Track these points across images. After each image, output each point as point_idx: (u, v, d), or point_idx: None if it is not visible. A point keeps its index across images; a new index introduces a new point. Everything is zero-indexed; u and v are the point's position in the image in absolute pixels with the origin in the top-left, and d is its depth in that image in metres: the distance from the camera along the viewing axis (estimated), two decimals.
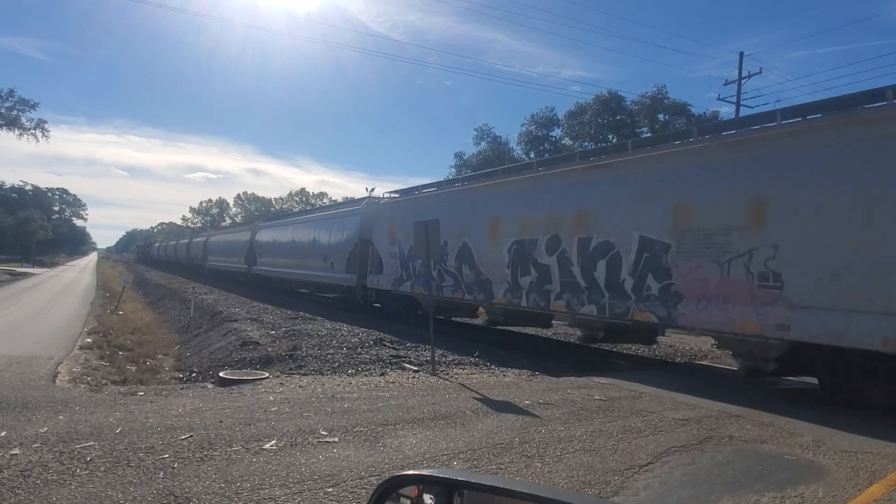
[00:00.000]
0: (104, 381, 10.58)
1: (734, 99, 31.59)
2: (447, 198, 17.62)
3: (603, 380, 9.36)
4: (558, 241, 12.83)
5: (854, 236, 7.92)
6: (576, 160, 13.70)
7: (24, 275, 51.76)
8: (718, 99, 33.40)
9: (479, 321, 17.89)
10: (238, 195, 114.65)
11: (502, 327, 16.59)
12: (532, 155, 44.72)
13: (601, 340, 13.15)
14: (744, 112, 30.94)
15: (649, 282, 10.70)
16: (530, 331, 17.74)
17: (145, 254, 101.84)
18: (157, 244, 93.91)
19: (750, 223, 9.25)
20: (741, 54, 31.54)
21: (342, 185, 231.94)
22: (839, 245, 8.08)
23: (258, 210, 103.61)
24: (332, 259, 22.87)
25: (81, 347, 15.52)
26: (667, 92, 40.82)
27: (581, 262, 12.23)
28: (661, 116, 41.42)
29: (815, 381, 9.19)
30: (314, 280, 25.14)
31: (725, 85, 32.39)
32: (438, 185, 19.78)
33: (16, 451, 4.52)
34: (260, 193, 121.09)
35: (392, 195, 22.06)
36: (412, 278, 17.99)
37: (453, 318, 18.11)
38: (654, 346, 14.91)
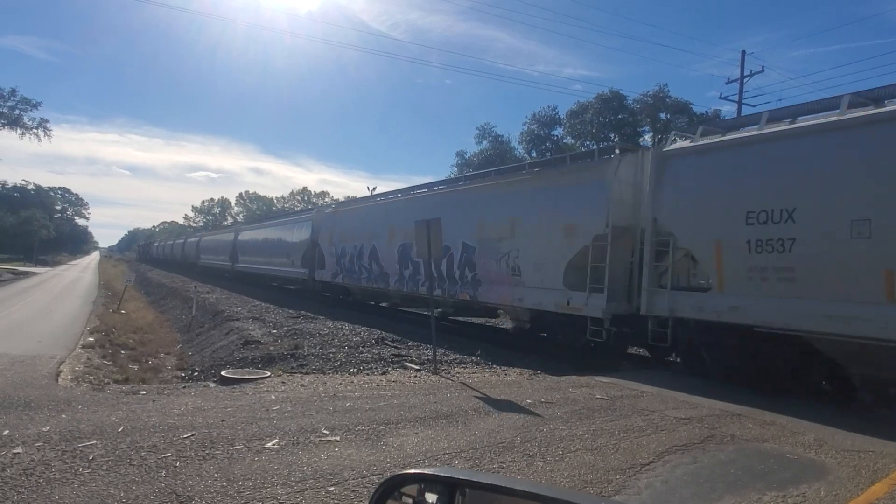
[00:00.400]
0: (106, 380, 10.59)
1: (737, 98, 31.56)
2: (364, 210, 23.19)
3: (605, 379, 9.36)
4: None
5: (546, 242, 13.29)
6: (437, 188, 19.70)
7: (26, 274, 51.84)
8: (720, 98, 33.35)
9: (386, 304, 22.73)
10: (240, 194, 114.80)
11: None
12: (534, 154, 44.68)
13: (453, 315, 18.73)
14: (745, 111, 30.92)
15: (466, 273, 16.02)
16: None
17: (145, 253, 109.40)
18: (155, 244, 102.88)
19: (508, 235, 14.53)
20: (743, 53, 31.52)
21: (344, 183, 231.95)
22: (541, 249, 13.46)
23: (260, 209, 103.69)
24: (293, 257, 27.67)
25: (84, 346, 15.55)
26: (668, 91, 40.78)
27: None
28: (662, 115, 41.36)
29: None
30: (280, 274, 30.19)
31: (728, 84, 32.35)
32: (364, 199, 25.39)
33: (18, 449, 4.53)
34: (262, 192, 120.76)
35: (335, 206, 28.57)
36: (343, 272, 23.33)
37: (375, 303, 23.29)
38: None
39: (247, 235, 38.05)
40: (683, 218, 10.33)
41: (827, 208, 8.23)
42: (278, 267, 29.78)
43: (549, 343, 15.47)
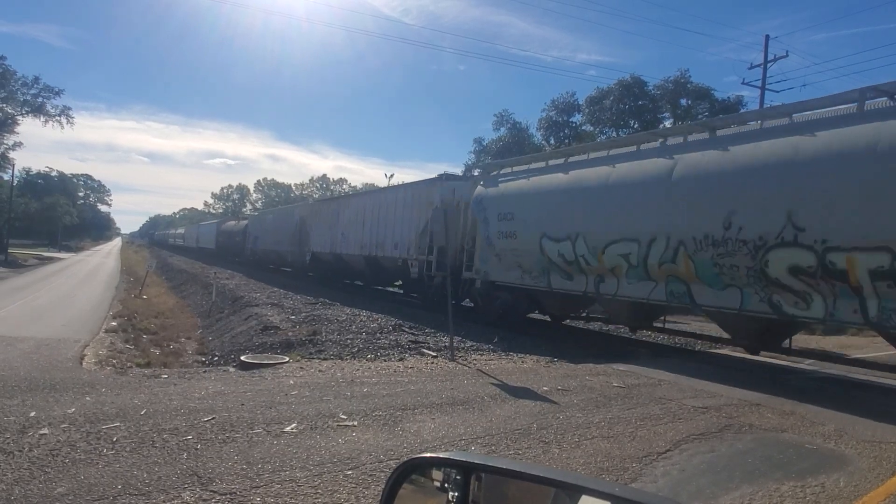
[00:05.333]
0: (129, 364, 10.78)
1: (759, 83, 30.92)
2: (272, 214, 40.65)
3: (622, 367, 9.33)
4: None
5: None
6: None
7: (51, 259, 52.81)
8: (743, 83, 32.69)
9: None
10: (258, 181, 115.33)
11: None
12: (552, 141, 44.28)
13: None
14: (769, 97, 30.33)
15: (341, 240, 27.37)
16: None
17: (152, 239, 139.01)
18: (155, 233, 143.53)
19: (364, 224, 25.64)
20: (766, 37, 30.78)
21: (360, 170, 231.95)
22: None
23: (279, 196, 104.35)
24: (241, 242, 46.16)
25: (107, 331, 15.85)
26: (690, 76, 39.94)
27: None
28: (683, 102, 40.63)
29: None
30: (235, 249, 48.14)
31: (750, 69, 31.69)
32: (273, 209, 42.46)
33: (45, 430, 4.64)
34: (279, 179, 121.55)
35: (258, 212, 50.26)
36: (259, 247, 40.73)
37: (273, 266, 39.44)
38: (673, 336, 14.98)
39: (224, 227, 56.11)
40: None
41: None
42: (231, 247, 50.23)
43: (569, 330, 15.51)
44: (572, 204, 12.37)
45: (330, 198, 41.06)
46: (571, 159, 13.48)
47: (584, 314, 15.76)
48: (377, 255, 22.18)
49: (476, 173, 17.33)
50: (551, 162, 14.12)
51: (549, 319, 16.30)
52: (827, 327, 12.13)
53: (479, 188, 15.82)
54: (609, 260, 11.42)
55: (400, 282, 23.54)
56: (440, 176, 19.88)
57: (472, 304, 16.73)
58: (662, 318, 13.41)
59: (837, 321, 8.85)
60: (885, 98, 8.14)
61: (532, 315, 16.16)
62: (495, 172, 15.96)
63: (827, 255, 8.04)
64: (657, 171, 10.58)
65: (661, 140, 11.51)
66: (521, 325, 14.78)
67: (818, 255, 8.11)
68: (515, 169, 15.24)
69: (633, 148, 11.88)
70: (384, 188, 27.24)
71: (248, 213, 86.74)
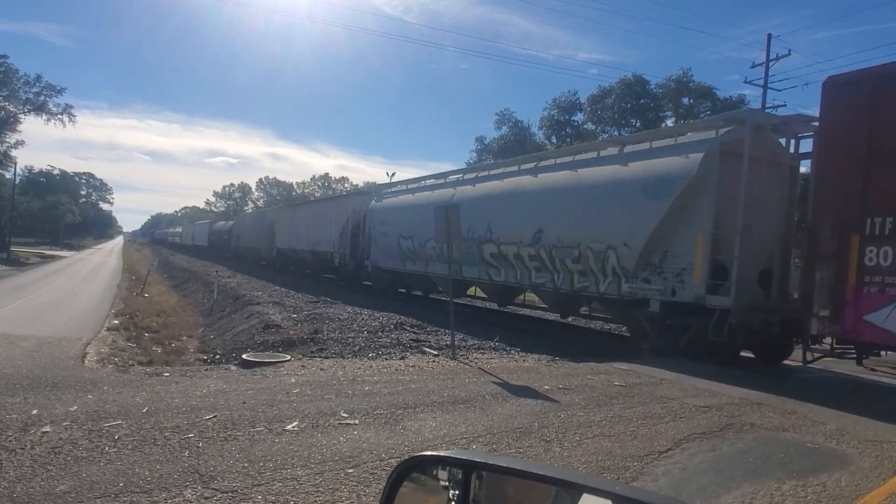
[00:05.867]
0: (131, 362, 10.81)
1: (761, 82, 30.86)
2: (250, 216, 51.97)
3: (623, 366, 9.32)
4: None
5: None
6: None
7: (53, 258, 52.91)
8: (745, 82, 32.64)
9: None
10: (260, 179, 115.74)
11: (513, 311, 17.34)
12: (554, 140, 44.24)
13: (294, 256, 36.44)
14: (771, 95, 30.30)
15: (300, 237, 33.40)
16: (551, 316, 17.74)
17: (153, 237, 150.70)
18: (156, 231, 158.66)
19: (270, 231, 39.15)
20: (769, 36, 30.77)
21: (361, 169, 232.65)
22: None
23: (280, 195, 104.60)
24: (228, 239, 52.80)
25: (109, 329, 15.87)
26: (692, 75, 39.86)
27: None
28: (685, 100, 40.57)
29: None
30: (221, 246, 54.71)
31: (752, 67, 31.65)
32: (252, 212, 66.61)
33: (47, 428, 4.64)
34: (280, 178, 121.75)
35: (241, 215, 63.43)
36: (241, 244, 48.34)
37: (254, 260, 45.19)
38: None
39: (215, 227, 65.09)
40: None
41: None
42: (212, 244, 60.07)
43: (570, 329, 15.55)
44: (411, 215, 19.13)
45: (290, 205, 50.71)
46: (419, 185, 21.09)
47: (438, 289, 21.32)
48: (317, 249, 29.54)
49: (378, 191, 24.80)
50: (409, 185, 22.00)
51: (421, 294, 22.94)
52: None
53: (373, 202, 23.53)
54: (427, 252, 18.26)
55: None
56: (351, 192, 31.56)
57: (370, 283, 23.96)
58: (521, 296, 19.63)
59: (507, 284, 15.80)
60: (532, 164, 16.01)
61: (415, 293, 23.17)
62: (384, 191, 23.67)
63: (501, 247, 15.20)
64: (446, 197, 17.50)
65: (457, 176, 19.10)
66: (400, 295, 22.29)
67: (498, 246, 15.31)
68: (393, 189, 22.99)
69: (443, 180, 19.59)
70: (320, 199, 41.65)
71: (248, 211, 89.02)
